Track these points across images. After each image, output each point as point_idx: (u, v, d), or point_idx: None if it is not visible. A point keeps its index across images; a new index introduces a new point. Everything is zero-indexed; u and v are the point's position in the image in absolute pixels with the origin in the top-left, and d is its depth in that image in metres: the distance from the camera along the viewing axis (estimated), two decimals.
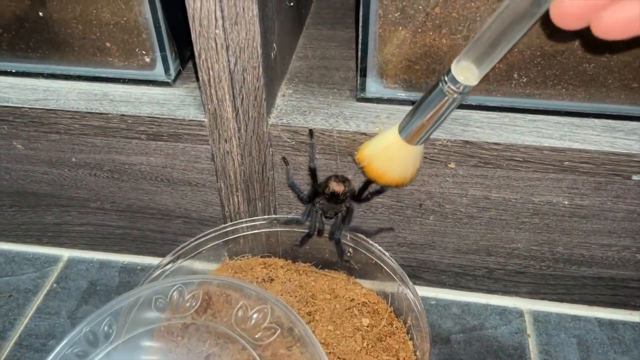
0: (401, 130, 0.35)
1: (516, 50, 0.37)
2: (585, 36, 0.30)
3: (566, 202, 0.41)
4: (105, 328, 0.37)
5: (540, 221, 0.42)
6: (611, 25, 0.26)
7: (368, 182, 0.40)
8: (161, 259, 0.44)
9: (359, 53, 0.39)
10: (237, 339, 0.37)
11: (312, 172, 0.41)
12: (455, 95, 0.32)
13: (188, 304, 0.39)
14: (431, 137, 0.38)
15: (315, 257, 0.48)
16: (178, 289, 0.39)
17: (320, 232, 0.43)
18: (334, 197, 0.41)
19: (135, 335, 0.38)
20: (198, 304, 0.38)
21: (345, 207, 0.42)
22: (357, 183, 0.42)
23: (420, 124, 0.34)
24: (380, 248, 0.44)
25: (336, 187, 0.40)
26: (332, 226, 0.43)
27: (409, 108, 0.41)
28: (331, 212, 0.42)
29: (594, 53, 0.36)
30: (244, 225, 0.46)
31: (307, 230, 0.43)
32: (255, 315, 0.37)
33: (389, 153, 0.36)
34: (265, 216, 0.46)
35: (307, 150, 0.41)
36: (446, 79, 0.32)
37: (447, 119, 0.34)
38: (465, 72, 0.31)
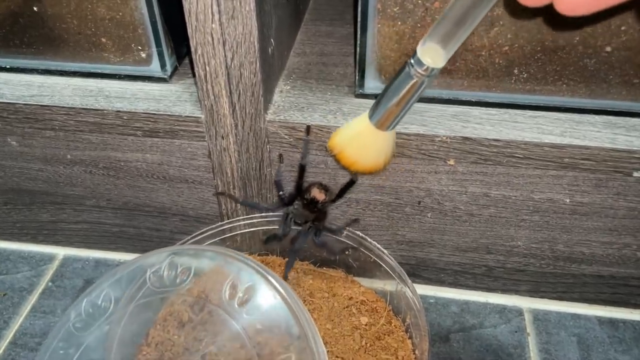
0: (371, 116, 0.34)
1: (516, 45, 0.36)
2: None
3: (567, 200, 0.40)
4: (103, 303, 0.37)
5: (541, 219, 0.42)
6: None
7: (347, 186, 0.40)
8: None
9: (358, 49, 0.39)
10: (226, 317, 0.36)
11: (301, 169, 0.41)
12: (423, 78, 0.31)
13: (178, 280, 0.38)
14: (430, 133, 0.38)
15: (313, 255, 0.48)
16: (170, 259, 0.38)
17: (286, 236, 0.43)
18: (312, 204, 0.41)
19: (130, 308, 0.38)
20: (189, 279, 0.38)
21: (314, 224, 0.42)
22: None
23: (390, 109, 0.33)
24: (379, 246, 0.43)
25: (317, 194, 0.40)
26: (297, 234, 0.42)
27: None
28: (301, 219, 0.42)
29: (592, 46, 0.35)
30: (241, 222, 0.46)
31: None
32: (243, 292, 0.35)
33: (360, 140, 0.36)
34: (263, 214, 0.46)
35: (302, 147, 0.40)
36: (412, 61, 0.31)
37: (415, 102, 0.33)
38: (432, 54, 0.30)
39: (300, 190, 0.41)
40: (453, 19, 0.28)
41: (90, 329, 0.37)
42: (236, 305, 0.35)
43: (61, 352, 0.38)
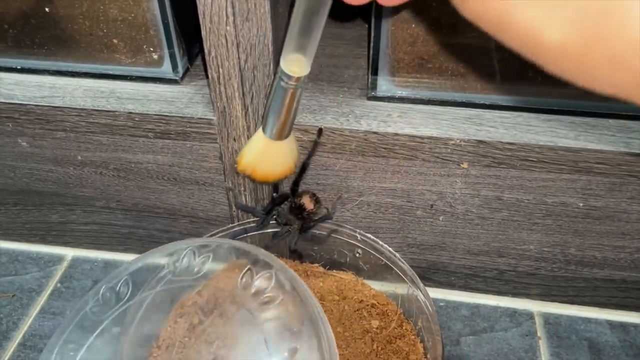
0: (265, 131, 0.37)
1: None
2: None
3: (580, 204, 0.40)
4: (121, 288, 0.38)
5: (553, 222, 0.42)
6: None
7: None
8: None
9: (371, 51, 0.39)
10: (242, 309, 0.37)
11: (303, 168, 0.41)
12: (297, 86, 0.34)
13: (197, 269, 0.39)
14: (444, 136, 0.38)
15: (323, 258, 0.48)
16: (190, 251, 0.39)
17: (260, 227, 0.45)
18: (298, 209, 0.41)
19: (145, 296, 0.39)
20: (206, 269, 0.39)
21: (295, 228, 0.43)
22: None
23: (280, 121, 0.36)
24: (390, 249, 0.43)
25: (307, 201, 0.41)
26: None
27: (420, 107, 0.41)
28: (282, 220, 0.43)
29: None
30: (252, 224, 0.45)
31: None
32: (258, 282, 0.37)
33: (265, 155, 0.38)
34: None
35: (310, 147, 0.40)
36: (281, 76, 0.33)
37: (300, 105, 0.36)
38: (296, 63, 0.33)
39: (294, 192, 0.42)
40: (301, 30, 0.31)
41: (106, 314, 0.38)
42: (251, 294, 0.36)
43: (70, 346, 0.38)
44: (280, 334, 0.35)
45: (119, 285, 0.39)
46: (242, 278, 0.37)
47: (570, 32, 0.20)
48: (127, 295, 0.39)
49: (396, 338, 0.42)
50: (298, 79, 0.33)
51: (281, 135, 0.37)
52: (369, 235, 0.44)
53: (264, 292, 0.36)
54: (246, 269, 0.37)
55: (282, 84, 0.34)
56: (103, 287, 0.39)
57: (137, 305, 0.39)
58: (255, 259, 0.37)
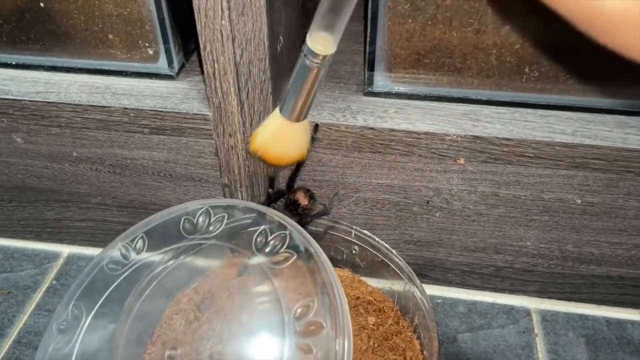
0: (283, 111, 0.35)
1: (528, 43, 0.36)
2: None
3: (577, 200, 0.40)
4: (138, 244, 0.39)
5: (550, 219, 0.42)
6: None
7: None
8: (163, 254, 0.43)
9: (367, 46, 0.39)
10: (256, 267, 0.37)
11: (298, 164, 0.41)
12: (320, 66, 0.33)
13: (212, 227, 0.39)
14: (439, 131, 0.38)
15: None
16: (205, 209, 0.39)
17: None
18: (293, 206, 0.41)
19: (159, 253, 0.40)
20: (221, 228, 0.39)
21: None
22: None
23: (299, 101, 0.35)
24: (386, 245, 0.43)
25: (302, 197, 0.41)
26: None
27: (417, 102, 0.40)
28: None
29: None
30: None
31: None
32: (272, 241, 0.37)
33: (279, 136, 0.37)
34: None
35: None
36: (306, 53, 0.32)
37: (319, 88, 0.35)
38: (322, 42, 0.32)
39: (289, 188, 0.42)
40: (330, 7, 0.30)
41: (122, 270, 0.39)
42: (266, 252, 0.37)
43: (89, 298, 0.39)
44: (293, 291, 0.35)
45: (135, 242, 0.39)
46: (257, 237, 0.37)
47: (634, 1, 0.20)
48: (142, 252, 0.39)
49: (393, 335, 0.42)
50: (323, 57, 0.32)
51: (299, 117, 0.35)
52: (365, 231, 0.44)
53: (278, 251, 0.36)
54: (261, 228, 0.37)
55: (307, 62, 0.32)
56: (119, 243, 0.39)
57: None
58: (271, 220, 0.37)
